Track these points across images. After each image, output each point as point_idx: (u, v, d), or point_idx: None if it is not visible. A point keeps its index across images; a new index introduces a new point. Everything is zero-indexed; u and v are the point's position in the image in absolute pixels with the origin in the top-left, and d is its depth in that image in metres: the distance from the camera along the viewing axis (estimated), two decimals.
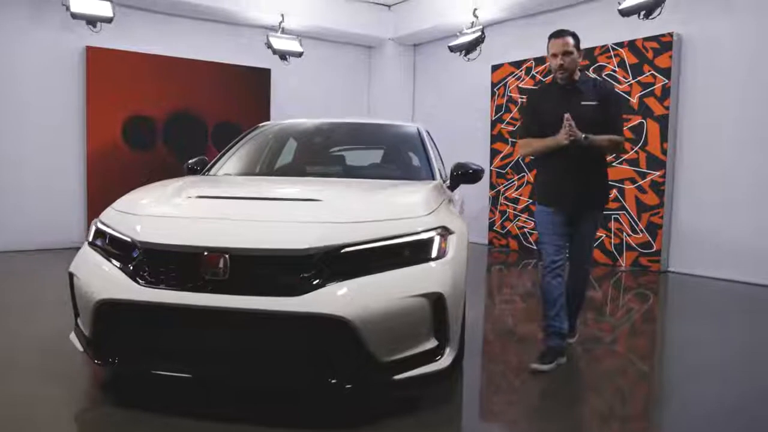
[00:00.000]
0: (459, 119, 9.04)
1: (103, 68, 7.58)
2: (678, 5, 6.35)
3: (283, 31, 8.50)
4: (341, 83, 9.87)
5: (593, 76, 3.51)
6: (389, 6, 9.47)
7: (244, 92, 8.72)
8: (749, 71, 5.89)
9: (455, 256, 2.75)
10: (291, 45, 8.36)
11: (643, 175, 6.58)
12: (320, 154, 4.31)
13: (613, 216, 6.85)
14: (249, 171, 4.02)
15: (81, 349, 2.81)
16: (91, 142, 7.60)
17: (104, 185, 7.48)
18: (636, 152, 6.63)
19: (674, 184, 6.49)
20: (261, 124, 4.61)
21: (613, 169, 6.69)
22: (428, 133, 4.92)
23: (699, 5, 6.30)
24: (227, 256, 2.43)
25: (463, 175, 3.88)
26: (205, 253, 2.45)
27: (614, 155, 6.37)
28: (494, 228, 8.42)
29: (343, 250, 2.49)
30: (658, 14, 5.94)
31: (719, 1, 6.14)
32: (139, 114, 7.91)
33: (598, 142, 3.30)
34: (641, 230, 6.61)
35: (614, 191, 6.72)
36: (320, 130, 4.42)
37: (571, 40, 3.35)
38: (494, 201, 8.39)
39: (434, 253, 2.66)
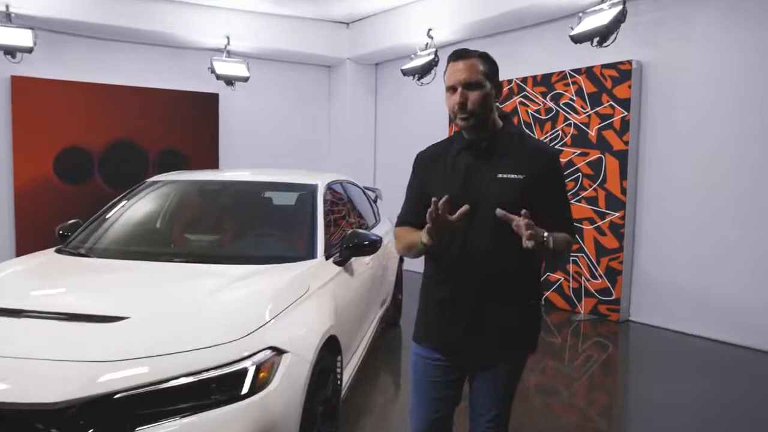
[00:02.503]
0: (419, 142, 8.42)
1: (31, 98, 7.12)
2: (637, 30, 5.79)
3: (229, 54, 8.00)
4: (299, 105, 9.36)
5: (519, 129, 2.25)
6: (347, 24, 8.94)
7: (190, 119, 8.23)
8: (716, 102, 5.32)
9: (280, 388, 2.22)
10: (237, 69, 7.85)
11: (602, 216, 6.02)
12: (195, 224, 3.80)
13: (571, 258, 6.29)
14: (102, 243, 3.47)
15: None
16: (18, 177, 7.14)
17: (34, 223, 7.03)
18: (594, 190, 6.07)
19: (635, 226, 5.92)
20: (148, 180, 4.10)
21: (573, 207, 6.12)
22: (342, 186, 4.42)
23: (659, 30, 5.73)
24: None
25: (356, 247, 3.37)
26: None
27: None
28: None
29: (117, 396, 1.97)
30: (612, 41, 5.38)
31: (681, 26, 5.58)
32: (74, 145, 7.44)
33: (558, 244, 1.96)
34: (600, 275, 6.05)
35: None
36: (203, 193, 3.93)
37: (479, 65, 2.01)
38: None
39: (245, 389, 2.13)
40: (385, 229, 5.33)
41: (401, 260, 5.69)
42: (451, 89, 2.01)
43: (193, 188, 3.96)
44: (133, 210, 3.76)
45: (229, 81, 7.94)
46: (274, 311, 2.47)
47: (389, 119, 9.25)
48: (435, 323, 2.16)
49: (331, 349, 2.85)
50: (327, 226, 3.59)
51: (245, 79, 7.92)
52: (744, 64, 5.11)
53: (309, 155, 9.27)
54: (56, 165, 7.34)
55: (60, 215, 4.75)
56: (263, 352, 2.24)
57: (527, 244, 1.82)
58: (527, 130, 6.59)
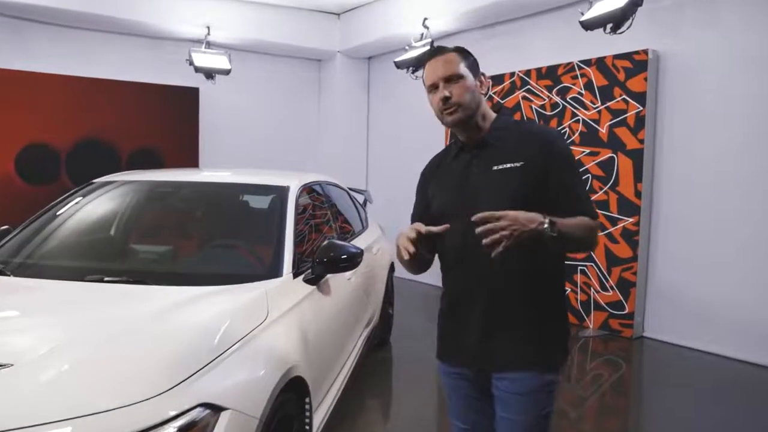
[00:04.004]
0: (415, 141, 7.94)
1: None
2: (654, 17, 5.22)
3: (209, 45, 7.43)
4: (287, 101, 8.79)
5: (515, 119, 2.04)
6: (338, 14, 8.38)
7: (167, 115, 7.65)
8: (741, 96, 4.76)
9: None
10: (217, 61, 7.27)
11: (614, 221, 5.45)
12: (143, 233, 3.22)
13: (579, 268, 5.73)
14: (22, 257, 2.88)
15: None
16: None
17: None
18: (605, 193, 5.51)
19: (650, 233, 5.35)
20: (96, 181, 3.52)
21: None
22: (321, 188, 3.85)
23: (679, 17, 5.17)
24: None
25: (332, 262, 2.80)
26: None
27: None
28: None
29: None
30: (627, 28, 4.82)
31: (702, 12, 5.02)
32: (38, 142, 6.86)
33: (571, 230, 1.73)
34: (612, 287, 5.48)
35: None
36: (154, 196, 3.33)
37: (457, 59, 1.88)
38: None
39: None
40: (374, 236, 4.77)
41: (392, 268, 5.12)
42: (433, 87, 1.91)
43: (143, 191, 3.38)
44: (74, 216, 3.18)
45: (210, 74, 7.37)
46: (214, 352, 1.90)
47: (383, 116, 8.68)
48: (448, 336, 2.03)
49: (296, 391, 2.28)
50: (300, 236, 3.02)
51: (227, 72, 7.34)
52: None
53: (297, 154, 8.70)
54: (18, 163, 6.76)
55: (22, 220, 4.15)
56: (193, 411, 1.68)
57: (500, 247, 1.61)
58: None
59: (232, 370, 1.92)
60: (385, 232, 5.60)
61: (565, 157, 1.87)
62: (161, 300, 2.22)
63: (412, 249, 1.78)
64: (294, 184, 3.26)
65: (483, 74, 1.95)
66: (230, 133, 8.22)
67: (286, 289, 2.56)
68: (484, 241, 1.61)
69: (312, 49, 8.45)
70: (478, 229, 1.62)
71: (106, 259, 2.99)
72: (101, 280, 2.46)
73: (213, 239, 3.08)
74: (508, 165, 1.83)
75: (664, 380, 4.65)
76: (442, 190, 1.98)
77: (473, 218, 1.64)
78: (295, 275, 2.73)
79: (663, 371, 4.87)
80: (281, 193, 3.12)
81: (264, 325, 2.21)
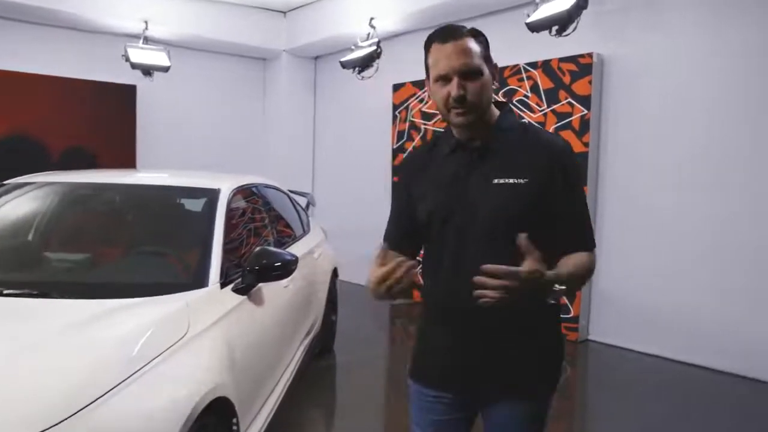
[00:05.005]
0: (362, 145, 7.81)
1: None
2: (599, 21, 5.23)
3: (147, 41, 7.11)
4: (230, 101, 8.51)
5: (521, 121, 1.80)
6: (284, 12, 8.16)
7: (102, 112, 7.28)
8: (685, 100, 4.79)
9: None
10: (155, 58, 6.96)
11: None
12: (57, 239, 2.96)
13: None
14: None
15: None
16: None
17: None
18: None
19: (595, 237, 5.35)
20: (8, 183, 3.24)
21: None
22: (258, 190, 3.65)
23: (623, 20, 5.19)
24: None
25: (264, 270, 2.62)
26: None
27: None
28: None
29: None
30: (573, 30, 4.79)
31: (647, 15, 5.04)
32: None
33: (576, 282, 1.63)
34: None
35: None
36: (73, 199, 3.08)
37: (475, 46, 1.59)
38: None
39: None
40: (316, 240, 4.59)
41: (335, 273, 4.95)
42: (443, 78, 1.58)
43: (62, 193, 3.12)
44: None
45: (147, 71, 7.04)
46: (119, 376, 1.70)
47: (330, 117, 8.50)
48: (428, 355, 1.80)
49: (220, 413, 2.10)
50: (232, 242, 2.83)
51: (165, 69, 7.03)
52: (718, 58, 4.60)
53: (241, 156, 8.43)
54: None
55: None
56: None
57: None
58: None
59: (143, 395, 1.73)
60: (329, 236, 5.44)
61: (573, 178, 1.65)
62: (63, 316, 2.00)
63: (396, 288, 1.50)
64: (226, 186, 3.06)
65: (497, 64, 1.65)
66: (170, 133, 7.90)
67: (212, 300, 2.37)
68: (476, 292, 1.40)
69: (256, 48, 8.21)
70: (477, 291, 1.40)
71: (13, 268, 2.73)
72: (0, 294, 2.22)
73: (135, 246, 2.86)
74: (511, 180, 1.59)
75: (609, 383, 4.66)
76: (433, 190, 1.70)
77: (483, 269, 1.40)
78: (224, 284, 2.54)
79: (607, 374, 4.88)
80: (211, 196, 2.92)
81: (183, 341, 2.02)
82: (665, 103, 4.89)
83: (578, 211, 1.66)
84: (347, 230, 7.51)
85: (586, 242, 1.65)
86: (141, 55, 6.87)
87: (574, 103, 5.30)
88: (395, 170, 7.11)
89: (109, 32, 7.32)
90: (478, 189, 1.62)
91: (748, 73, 4.45)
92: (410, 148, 6.89)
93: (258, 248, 2.70)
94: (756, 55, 4.41)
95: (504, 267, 1.39)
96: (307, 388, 4.14)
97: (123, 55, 6.80)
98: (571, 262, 1.58)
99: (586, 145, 5.23)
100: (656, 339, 4.95)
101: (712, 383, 4.47)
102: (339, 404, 4.24)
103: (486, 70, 1.60)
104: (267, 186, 3.98)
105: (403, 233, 1.80)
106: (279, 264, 2.65)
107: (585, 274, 1.64)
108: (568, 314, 5.37)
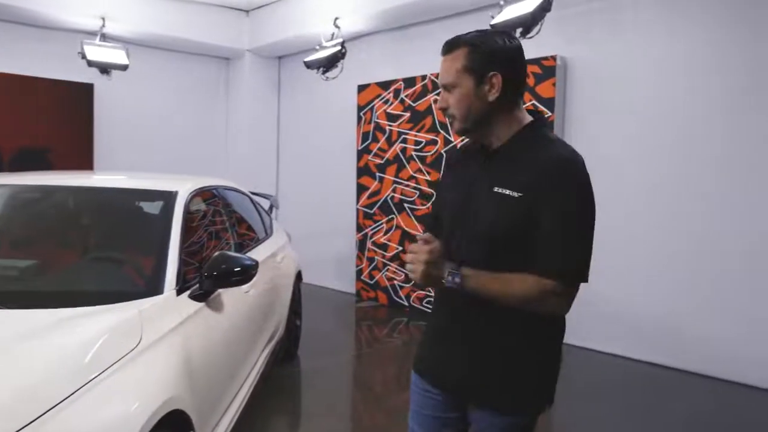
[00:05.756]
0: (328, 146, 7.72)
1: None
2: (562, 24, 5.25)
3: (104, 38, 6.90)
4: (193, 101, 8.33)
5: (545, 132, 1.68)
6: (247, 11, 8.03)
7: (57, 112, 7.04)
8: (645, 102, 4.85)
9: None
10: (113, 56, 6.74)
11: None
12: (5, 245, 2.81)
13: None
14: None
15: None
16: None
17: None
18: None
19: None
20: None
21: None
22: (218, 193, 3.55)
23: (586, 23, 5.23)
24: None
25: (223, 276, 2.53)
26: None
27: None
28: (362, 277, 7.07)
29: None
30: (537, 33, 4.80)
31: (609, 19, 5.09)
32: None
33: (485, 290, 1.55)
34: None
35: None
36: (19, 202, 2.93)
37: (460, 59, 1.62)
38: (362, 246, 7.06)
39: None
40: (279, 243, 4.50)
41: (299, 277, 4.86)
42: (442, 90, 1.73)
43: (4, 196, 2.96)
44: None
45: (105, 69, 6.83)
46: (62, 392, 1.60)
47: (294, 119, 8.39)
48: (429, 353, 1.83)
49: (176, 426, 2.00)
50: (190, 247, 2.73)
51: (124, 68, 6.83)
52: (680, 59, 4.66)
53: (203, 157, 8.26)
54: None
55: None
56: None
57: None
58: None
59: (91, 410, 1.64)
60: (294, 238, 5.35)
61: (569, 196, 1.53)
62: (6, 328, 1.88)
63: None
64: (184, 189, 2.95)
65: (495, 74, 1.60)
66: (130, 133, 7.69)
67: (167, 308, 2.27)
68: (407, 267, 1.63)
69: (219, 47, 8.05)
70: (403, 256, 1.61)
71: None
72: None
73: (86, 252, 2.74)
74: (507, 192, 1.56)
75: (581, 385, 4.65)
76: (451, 190, 1.79)
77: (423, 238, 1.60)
78: (181, 291, 2.44)
79: (576, 376, 4.87)
80: (167, 199, 2.81)
81: (135, 352, 1.92)
82: (629, 104, 4.94)
83: (563, 234, 1.52)
84: (313, 232, 7.43)
85: (551, 266, 1.51)
86: (98, 52, 6.66)
87: (539, 105, 5.31)
88: (360, 172, 7.05)
89: (64, 29, 7.09)
90: (482, 196, 1.64)
91: (711, 72, 4.52)
92: (375, 147, 6.84)
93: (216, 253, 2.60)
94: (718, 53, 4.48)
95: (415, 245, 1.59)
96: (270, 395, 4.04)
97: (79, 53, 6.59)
98: (504, 273, 1.55)
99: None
100: (619, 339, 5.00)
101: (673, 381, 4.53)
102: (303, 411, 4.16)
103: (466, 83, 1.63)
104: (227, 188, 3.87)
105: (435, 223, 1.84)
106: (238, 269, 2.56)
107: (513, 293, 1.53)
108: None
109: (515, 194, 1.55)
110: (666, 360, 4.73)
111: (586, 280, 1.56)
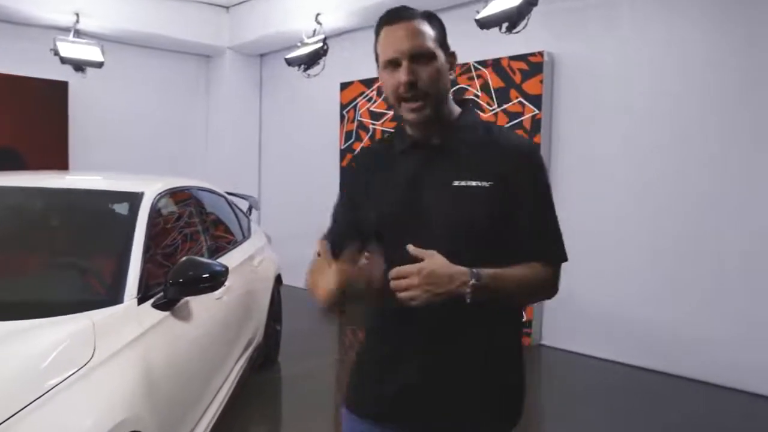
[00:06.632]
0: (310, 145, 7.54)
1: None
2: (549, 19, 5.12)
3: (78, 34, 6.68)
4: (171, 100, 8.12)
5: (483, 120, 1.59)
6: (227, 8, 7.83)
7: (29, 110, 6.80)
8: (634, 99, 4.73)
9: None
10: (88, 52, 6.53)
11: None
12: None
13: None
14: None
15: None
16: None
17: None
18: None
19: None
20: None
21: None
22: (190, 193, 3.38)
23: (573, 19, 5.10)
24: None
25: (190, 283, 2.36)
26: None
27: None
28: None
29: None
30: (523, 28, 4.66)
31: (597, 14, 4.96)
32: None
33: (504, 290, 1.38)
34: None
35: None
36: None
37: (427, 28, 1.43)
38: None
39: None
40: (256, 246, 4.33)
41: (278, 280, 4.69)
42: (391, 64, 1.42)
43: None
44: None
45: (79, 66, 6.61)
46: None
47: (276, 117, 8.20)
48: (368, 381, 1.55)
49: None
50: (155, 252, 2.56)
51: (99, 65, 6.61)
52: (670, 56, 4.54)
53: (183, 157, 8.05)
54: None
55: None
56: None
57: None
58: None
59: None
60: (275, 239, 5.19)
61: (542, 184, 1.48)
62: None
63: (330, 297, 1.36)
64: (151, 190, 2.78)
65: (454, 52, 1.49)
66: (107, 133, 7.46)
67: (126, 319, 2.10)
68: (400, 295, 1.29)
69: (198, 44, 7.85)
70: (392, 284, 1.28)
71: None
72: None
73: (38, 259, 2.55)
74: (473, 183, 1.41)
75: (561, 388, 4.57)
76: (385, 192, 1.50)
77: (389, 274, 1.30)
78: (144, 300, 2.27)
79: (561, 380, 4.78)
80: (132, 200, 2.64)
81: (86, 368, 1.75)
82: (619, 102, 4.81)
83: (543, 219, 1.47)
84: (295, 233, 7.23)
85: (546, 252, 1.46)
86: (72, 49, 6.44)
87: (525, 102, 5.18)
88: (343, 171, 6.89)
89: (36, 24, 6.85)
90: (436, 192, 1.44)
91: (702, 70, 4.40)
92: (359, 147, 6.68)
93: (183, 258, 2.43)
94: (709, 50, 4.37)
95: (404, 267, 1.28)
96: (248, 403, 3.88)
97: (52, 49, 6.37)
98: (512, 267, 1.39)
99: (537, 145, 5.12)
100: (609, 343, 4.87)
101: (665, 387, 4.41)
102: (284, 417, 4.01)
103: (441, 55, 1.43)
104: (201, 189, 3.70)
105: (347, 238, 1.50)
106: (207, 276, 2.39)
107: (525, 289, 1.43)
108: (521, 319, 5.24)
109: (485, 184, 1.41)
110: (659, 365, 4.60)
111: (567, 259, 1.50)
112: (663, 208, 4.58)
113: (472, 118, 1.54)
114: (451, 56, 1.48)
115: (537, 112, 5.11)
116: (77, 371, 1.71)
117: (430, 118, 1.43)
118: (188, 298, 2.48)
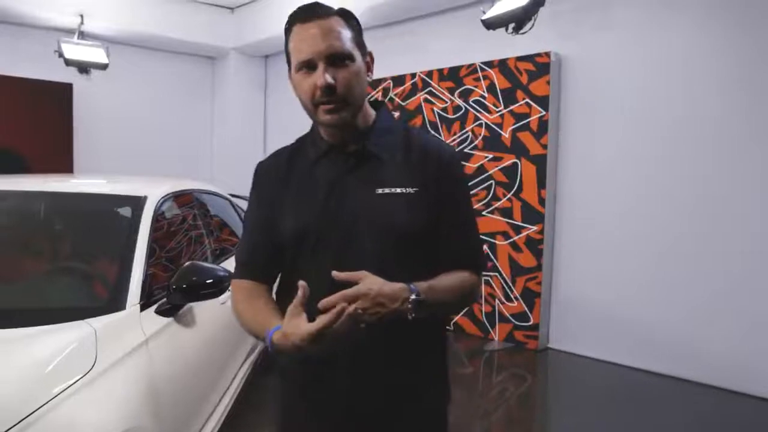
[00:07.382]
0: None
1: None
2: (557, 19, 5.08)
3: (83, 36, 6.67)
4: (176, 101, 8.11)
5: (400, 123, 1.55)
6: (232, 9, 7.81)
7: (34, 113, 6.81)
8: (644, 101, 4.67)
9: None
10: (92, 54, 6.53)
11: (518, 230, 5.25)
12: None
13: (483, 278, 5.50)
14: None
15: None
16: None
17: None
18: (509, 200, 5.30)
19: (554, 242, 5.20)
20: None
21: (483, 220, 5.35)
22: (194, 196, 3.34)
23: (581, 19, 5.05)
24: None
25: (193, 289, 2.33)
26: None
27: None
28: None
29: None
30: (530, 28, 4.62)
31: (605, 14, 4.91)
32: None
33: (440, 301, 1.33)
34: (516, 297, 5.28)
35: (485, 246, 5.28)
36: None
37: (343, 28, 1.35)
38: None
39: None
40: None
41: None
42: (306, 66, 1.33)
43: None
44: None
45: (84, 68, 6.60)
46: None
47: (282, 119, 8.18)
48: (298, 407, 1.47)
49: None
50: (159, 257, 2.53)
51: (103, 67, 6.61)
52: (677, 57, 4.48)
53: (187, 159, 8.05)
54: None
55: None
56: None
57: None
58: (429, 129, 5.76)
59: None
60: None
61: (463, 190, 1.50)
62: None
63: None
64: (155, 193, 2.74)
65: (371, 51, 1.44)
66: (112, 135, 7.47)
67: (129, 326, 2.07)
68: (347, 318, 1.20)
69: (203, 45, 7.84)
70: (338, 308, 1.17)
71: None
72: None
73: (39, 265, 2.51)
74: (398, 190, 1.36)
75: (570, 392, 4.54)
76: (299, 205, 1.41)
77: (335, 276, 1.24)
78: (146, 306, 2.24)
79: (568, 383, 4.74)
80: (135, 204, 2.60)
81: (88, 377, 1.72)
82: (625, 103, 4.76)
83: (468, 228, 1.47)
84: None
85: (473, 261, 1.45)
86: (76, 51, 6.44)
87: (532, 103, 5.13)
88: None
89: (41, 26, 6.86)
90: (358, 201, 1.37)
91: (709, 71, 4.34)
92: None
93: (187, 264, 2.40)
94: (715, 53, 4.31)
95: (351, 290, 1.21)
96: (253, 408, 3.83)
97: (56, 51, 6.36)
98: (443, 277, 1.37)
99: (544, 147, 5.07)
100: (617, 347, 4.81)
101: (672, 390, 4.35)
102: None
103: (358, 56, 1.37)
104: (205, 191, 3.66)
105: (265, 260, 1.46)
106: (211, 281, 2.36)
107: (458, 299, 1.41)
108: (528, 322, 5.20)
109: (410, 190, 1.37)
110: (667, 368, 4.54)
111: (486, 268, 1.52)
112: (671, 210, 4.52)
113: (390, 122, 1.49)
114: (368, 57, 1.43)
115: (544, 113, 5.05)
116: (78, 380, 1.68)
117: (347, 121, 1.37)
118: (192, 303, 2.44)
